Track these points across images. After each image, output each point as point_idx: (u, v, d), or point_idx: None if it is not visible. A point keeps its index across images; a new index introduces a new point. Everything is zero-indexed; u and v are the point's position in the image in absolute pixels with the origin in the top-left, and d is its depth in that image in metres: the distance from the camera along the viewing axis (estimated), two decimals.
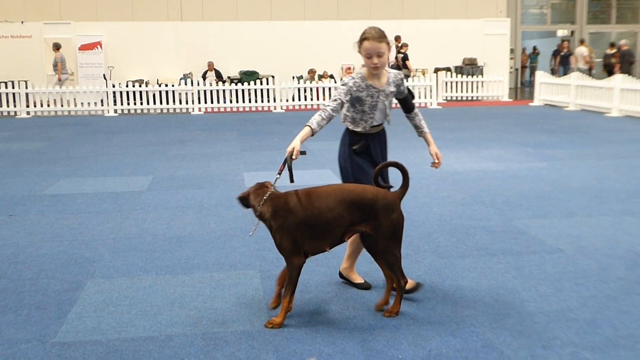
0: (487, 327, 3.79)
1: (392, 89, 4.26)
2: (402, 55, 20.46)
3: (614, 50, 21.95)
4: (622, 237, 5.60)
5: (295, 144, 3.91)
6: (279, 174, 3.99)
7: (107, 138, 12.98)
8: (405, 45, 20.56)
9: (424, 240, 5.59)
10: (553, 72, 22.48)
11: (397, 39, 20.58)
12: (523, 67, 27.11)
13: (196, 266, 4.99)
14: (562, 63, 22.58)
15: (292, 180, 3.92)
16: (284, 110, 18.86)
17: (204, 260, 5.14)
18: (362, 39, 4.06)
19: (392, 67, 20.52)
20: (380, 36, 4.01)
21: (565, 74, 21.25)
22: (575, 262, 4.93)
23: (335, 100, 4.12)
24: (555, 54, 23.36)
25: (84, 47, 21.43)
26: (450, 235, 5.71)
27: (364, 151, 4.29)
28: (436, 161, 4.38)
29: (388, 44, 4.05)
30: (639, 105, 15.17)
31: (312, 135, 4.06)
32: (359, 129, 4.30)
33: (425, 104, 19.37)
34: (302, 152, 3.95)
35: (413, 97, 4.44)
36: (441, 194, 7.37)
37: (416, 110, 4.44)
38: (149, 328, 3.85)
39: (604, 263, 4.91)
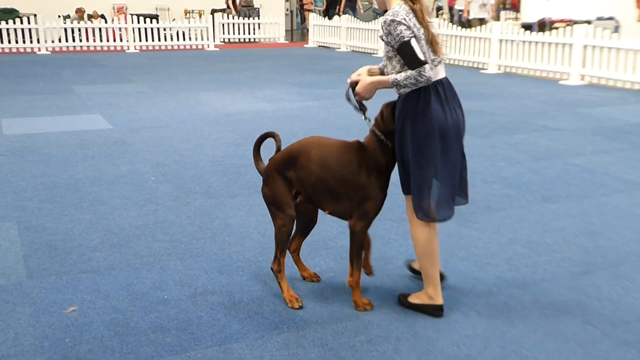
0: (253, 262, 3.92)
1: (381, 32, 3.05)
2: None
3: None
4: None
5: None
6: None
7: None
8: None
9: (195, 181, 5.59)
10: (334, 15, 22.28)
11: None
12: (307, 10, 26.42)
13: None
14: (348, 6, 22.26)
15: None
16: (49, 52, 17.56)
17: None
18: None
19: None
20: None
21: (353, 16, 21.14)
22: None
23: None
24: None
25: None
26: (221, 176, 5.76)
27: None
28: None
29: None
30: None
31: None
32: None
33: (202, 46, 19.12)
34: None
35: (408, 64, 2.95)
36: (214, 135, 7.39)
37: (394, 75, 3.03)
38: None
39: None
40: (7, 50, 17.36)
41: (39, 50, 17.55)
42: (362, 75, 3.22)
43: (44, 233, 4.35)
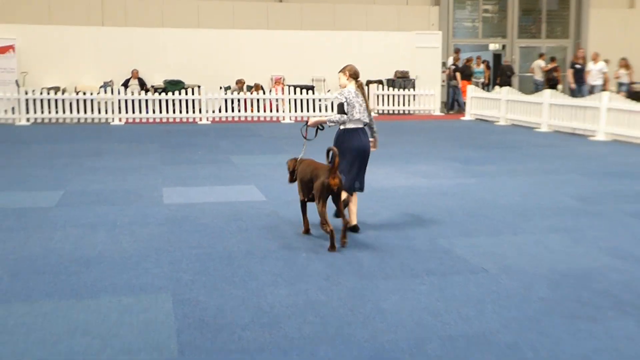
0: (406, 353, 3.77)
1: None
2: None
3: (555, 65, 22.37)
4: (546, 255, 5.71)
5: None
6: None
7: (15, 149, 12.50)
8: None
9: (346, 260, 5.56)
10: (572, 91, 19.82)
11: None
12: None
13: (104, 289, 4.81)
14: (577, 80, 19.79)
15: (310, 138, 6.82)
16: (210, 122, 18.65)
17: (112, 282, 4.96)
18: None
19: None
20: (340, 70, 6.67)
21: (581, 93, 18.96)
22: (498, 282, 4.99)
23: None
24: (572, 67, 20.27)
25: None
26: (374, 255, 5.70)
27: None
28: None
29: (342, 72, 6.61)
30: (566, 120, 15.66)
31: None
32: None
33: None
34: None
35: (337, 111, 6.46)
36: (367, 211, 7.37)
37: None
38: (46, 358, 3.66)
39: (527, 283, 4.99)
40: (171, 120, 18.65)
41: (200, 120, 18.70)
42: (312, 117, 6.51)
43: (197, 307, 4.46)
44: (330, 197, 5.97)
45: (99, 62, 21.40)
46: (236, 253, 5.75)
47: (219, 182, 9.12)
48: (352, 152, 6.41)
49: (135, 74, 20.88)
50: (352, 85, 6.54)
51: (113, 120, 18.26)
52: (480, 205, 7.73)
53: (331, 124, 6.46)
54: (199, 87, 19.25)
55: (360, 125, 6.48)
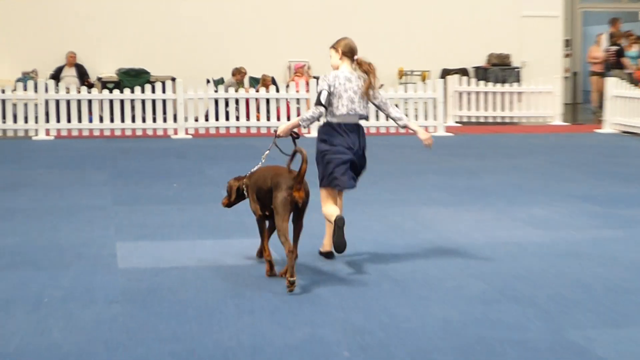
0: None
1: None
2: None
3: None
4: None
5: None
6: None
7: None
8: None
9: None
10: None
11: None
12: (596, 73, 23.56)
13: None
14: None
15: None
16: (190, 136, 18.75)
17: None
18: None
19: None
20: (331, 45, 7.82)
21: None
22: None
23: None
24: None
25: None
26: (459, 354, 5.65)
27: None
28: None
29: (334, 47, 7.75)
30: None
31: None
32: None
33: (426, 127, 19.43)
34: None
35: (315, 102, 7.69)
36: (448, 282, 7.33)
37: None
38: None
39: None
40: (129, 133, 18.71)
41: (175, 132, 18.76)
42: (281, 124, 9.35)
43: None
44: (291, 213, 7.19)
45: (15, 43, 21.68)
46: (235, 350, 5.72)
47: (206, 234, 9.15)
48: (335, 155, 7.55)
49: (71, 60, 21.11)
50: (345, 66, 7.67)
51: (37, 133, 18.48)
52: (634, 274, 7.65)
53: (304, 123, 7.77)
54: (173, 80, 19.33)
55: (350, 121, 7.65)
